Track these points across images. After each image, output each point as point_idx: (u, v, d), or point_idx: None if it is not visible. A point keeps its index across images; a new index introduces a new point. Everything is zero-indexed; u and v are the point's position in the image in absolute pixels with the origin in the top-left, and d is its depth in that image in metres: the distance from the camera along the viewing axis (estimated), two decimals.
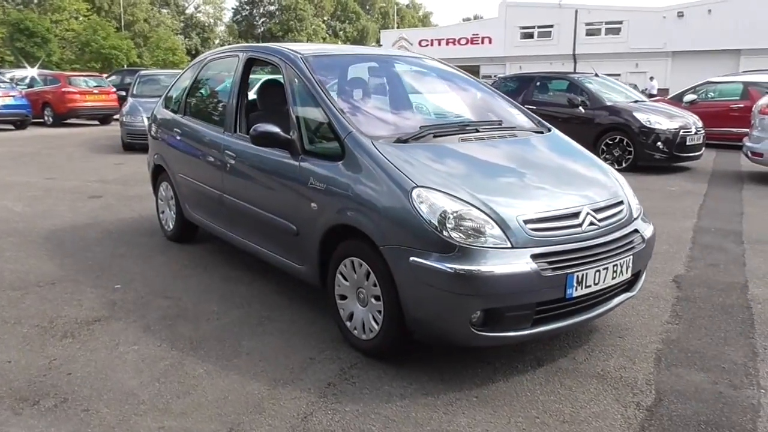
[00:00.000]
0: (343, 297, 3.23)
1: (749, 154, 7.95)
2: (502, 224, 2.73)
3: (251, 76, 4.41)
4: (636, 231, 3.15)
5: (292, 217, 3.48)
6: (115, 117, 16.64)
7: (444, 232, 2.68)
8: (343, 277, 3.19)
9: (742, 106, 11.01)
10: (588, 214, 2.94)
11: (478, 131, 3.45)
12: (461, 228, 2.69)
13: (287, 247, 3.63)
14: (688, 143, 8.70)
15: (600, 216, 2.99)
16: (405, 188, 2.83)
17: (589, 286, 2.85)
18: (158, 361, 3.09)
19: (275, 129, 3.44)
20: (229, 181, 4.11)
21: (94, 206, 6.75)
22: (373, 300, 3.02)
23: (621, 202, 3.19)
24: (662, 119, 8.80)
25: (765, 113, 7.62)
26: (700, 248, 5.10)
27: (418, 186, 2.81)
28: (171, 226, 5.27)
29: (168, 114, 5.29)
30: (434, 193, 2.79)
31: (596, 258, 2.86)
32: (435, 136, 3.27)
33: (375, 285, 2.98)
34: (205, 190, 4.48)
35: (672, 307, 3.81)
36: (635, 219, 3.21)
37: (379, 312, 2.98)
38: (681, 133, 8.66)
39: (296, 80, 3.64)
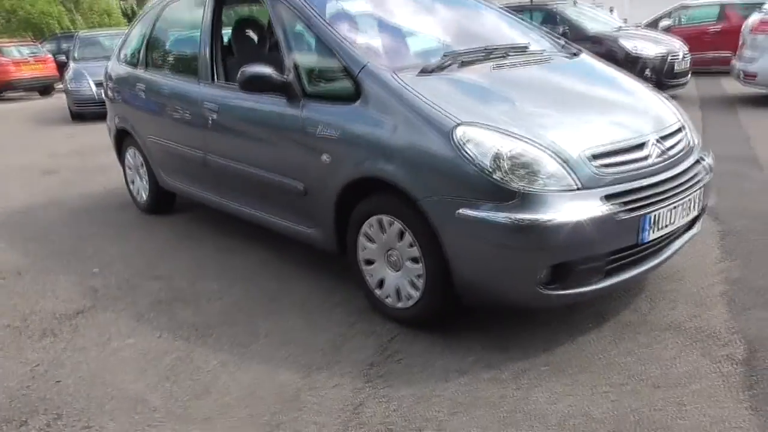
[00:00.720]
0: (370, 262, 2.79)
1: (741, 76, 7.67)
2: (565, 162, 2.30)
3: None
4: (701, 160, 2.77)
5: (298, 174, 2.98)
6: (59, 86, 15.46)
7: (498, 175, 2.24)
8: (368, 239, 2.74)
9: (719, 28, 10.74)
10: (654, 143, 2.54)
11: (507, 57, 2.97)
12: (519, 169, 2.25)
13: (293, 210, 3.14)
14: (675, 69, 8.38)
15: (666, 145, 2.59)
16: (445, 127, 2.36)
17: (662, 227, 2.48)
18: (162, 355, 2.61)
19: (268, 70, 2.90)
20: (213, 139, 3.56)
21: (51, 183, 6.06)
22: (409, 263, 2.58)
23: (683, 128, 2.80)
24: (648, 45, 8.44)
25: (757, 32, 7.31)
26: (723, 177, 4.76)
27: (461, 123, 2.35)
28: (145, 197, 4.68)
29: (126, 69, 4.63)
30: (481, 129, 2.34)
31: (668, 195, 2.47)
32: (462, 65, 2.79)
33: (412, 245, 2.54)
34: (183, 152, 3.91)
35: (719, 242, 3.48)
36: (696, 146, 2.83)
37: (419, 276, 2.55)
38: (668, 58, 8.32)
39: (285, 12, 3.08)
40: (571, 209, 2.23)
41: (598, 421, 2.03)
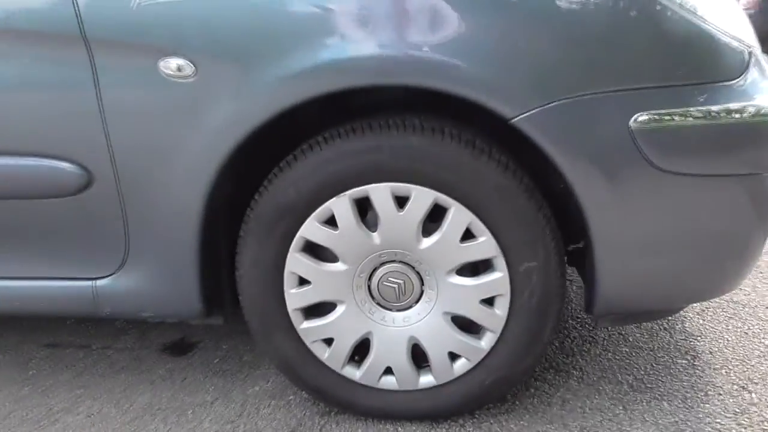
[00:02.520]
0: (318, 311, 1.18)
1: None
2: None
3: None
4: None
5: (65, 142, 1.12)
6: None
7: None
8: (312, 254, 1.14)
9: None
10: None
11: None
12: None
13: (47, 241, 1.21)
14: None
15: None
16: None
17: None
18: None
19: None
20: None
21: None
22: (456, 278, 1.12)
23: None
24: None
25: None
26: None
27: None
28: None
29: None
30: None
31: None
32: None
33: (469, 237, 1.09)
34: None
35: None
36: None
37: (491, 297, 1.12)
38: None
39: None
40: None
41: None
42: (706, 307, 1.63)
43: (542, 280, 1.10)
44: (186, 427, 1.26)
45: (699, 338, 1.49)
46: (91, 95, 1.07)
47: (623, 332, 1.52)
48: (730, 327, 1.53)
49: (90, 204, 1.15)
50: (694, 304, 1.64)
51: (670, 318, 1.58)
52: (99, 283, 1.22)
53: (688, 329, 1.53)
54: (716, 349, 1.44)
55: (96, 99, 1.08)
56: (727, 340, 1.47)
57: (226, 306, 1.28)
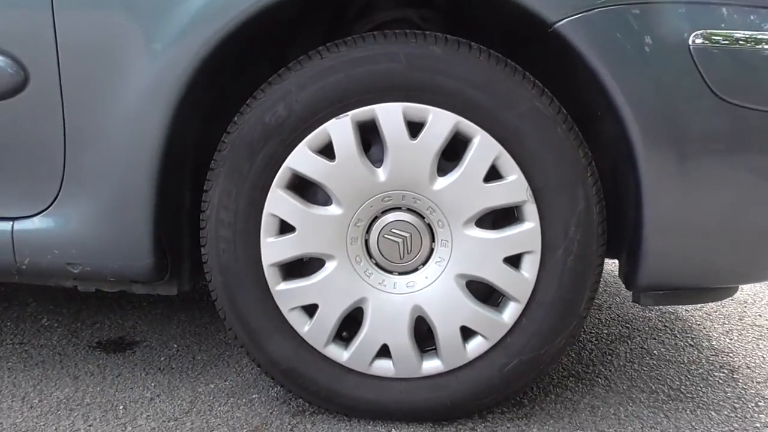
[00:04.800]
0: (288, 270, 0.96)
1: None
2: None
3: None
4: None
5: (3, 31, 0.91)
6: None
7: None
8: (299, 192, 0.93)
9: None
10: None
11: None
12: None
13: None
14: None
15: None
16: None
17: None
18: None
19: None
20: None
21: None
22: (475, 231, 0.92)
23: None
24: None
25: None
26: None
27: None
28: None
29: None
30: None
31: None
32: None
33: (496, 179, 0.90)
34: None
35: None
36: None
37: (513, 263, 0.92)
38: None
39: None
40: None
41: None
42: (730, 329, 1.44)
43: (581, 234, 0.90)
44: (113, 424, 0.97)
45: (731, 355, 1.29)
46: None
47: (646, 347, 1.31)
48: (761, 346, 1.34)
49: (19, 114, 0.92)
50: (717, 325, 1.45)
51: (693, 336, 1.38)
52: (21, 225, 0.96)
53: (716, 347, 1.33)
54: (754, 365, 1.24)
55: None
56: (763, 357, 1.28)
57: (184, 272, 1.03)
